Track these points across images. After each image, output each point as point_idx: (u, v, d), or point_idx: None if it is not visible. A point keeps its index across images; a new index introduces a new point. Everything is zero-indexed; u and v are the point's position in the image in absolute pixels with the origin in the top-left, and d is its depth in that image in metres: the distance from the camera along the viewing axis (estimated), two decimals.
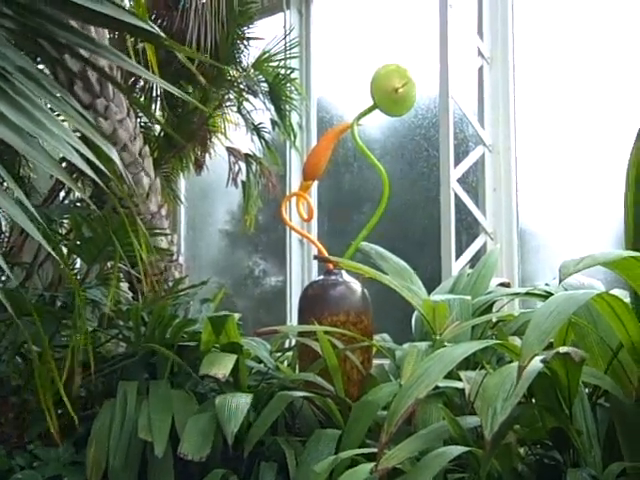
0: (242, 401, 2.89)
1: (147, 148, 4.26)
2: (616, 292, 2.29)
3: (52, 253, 2.01)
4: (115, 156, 2.02)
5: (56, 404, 3.43)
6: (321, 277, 3.47)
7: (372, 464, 2.29)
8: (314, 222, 5.12)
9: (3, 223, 4.53)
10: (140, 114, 4.88)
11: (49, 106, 2.28)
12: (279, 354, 3.56)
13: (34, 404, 3.39)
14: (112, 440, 3.02)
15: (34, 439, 3.26)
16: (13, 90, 1.87)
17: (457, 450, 2.11)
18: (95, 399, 3.46)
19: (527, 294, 2.94)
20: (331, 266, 3.39)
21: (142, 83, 4.97)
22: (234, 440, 2.77)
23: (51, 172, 1.57)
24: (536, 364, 1.95)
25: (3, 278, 3.97)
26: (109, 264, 3.81)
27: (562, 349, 1.99)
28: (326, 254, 3.52)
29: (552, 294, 2.30)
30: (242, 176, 5.19)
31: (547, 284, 3.06)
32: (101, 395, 3.39)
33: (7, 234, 4.46)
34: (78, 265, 4.40)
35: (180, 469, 2.97)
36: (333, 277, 3.37)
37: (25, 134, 1.82)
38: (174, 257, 4.26)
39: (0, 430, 3.30)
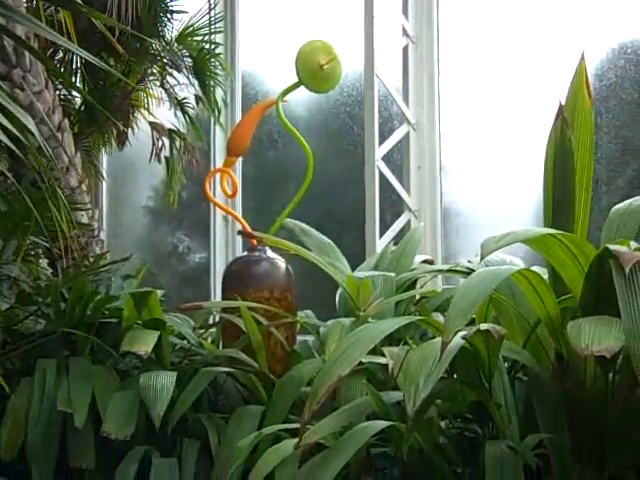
0: (167, 381, 2.87)
1: (67, 121, 4.16)
2: (535, 269, 2.34)
3: None
4: (32, 126, 1.96)
5: None
6: (245, 253, 3.46)
7: (296, 440, 2.30)
8: (238, 199, 5.08)
9: None
10: (59, 87, 4.76)
11: None
12: (202, 331, 3.53)
13: None
14: (31, 418, 2.96)
15: None
16: None
17: (380, 425, 2.13)
18: (13, 377, 3.38)
19: (449, 271, 2.98)
20: (255, 242, 3.37)
21: (61, 55, 4.83)
22: None
23: None
24: (457, 340, 1.98)
25: None
26: (28, 240, 3.73)
27: (483, 326, 2.02)
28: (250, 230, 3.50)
29: (474, 271, 2.34)
30: (165, 152, 5.12)
31: (469, 261, 3.11)
32: (19, 373, 3.31)
33: None
34: None
35: (101, 446, 2.93)
36: (257, 253, 3.36)
37: None
38: (95, 233, 4.18)
39: None
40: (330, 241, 3.54)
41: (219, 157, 5.24)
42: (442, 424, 2.43)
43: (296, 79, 3.45)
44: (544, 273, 2.29)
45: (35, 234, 3.49)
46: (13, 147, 1.83)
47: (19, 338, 3.40)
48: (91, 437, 2.91)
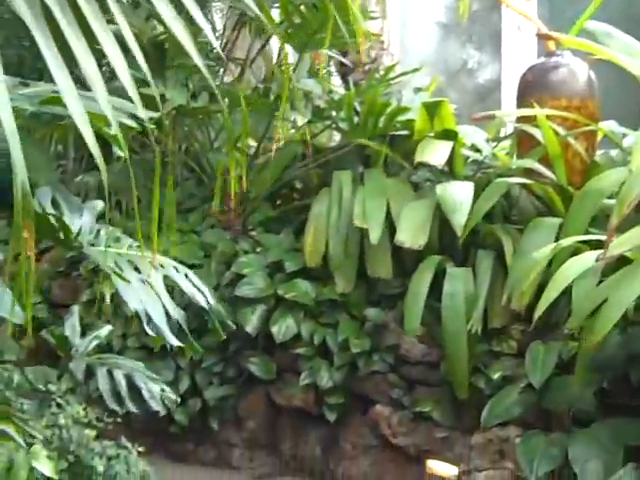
0: (465, 191, 2.82)
1: None
2: None
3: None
4: None
5: (271, 195, 3.54)
6: (541, 60, 3.23)
7: (597, 252, 2.19)
8: (533, 5, 4.73)
9: (218, 20, 4.54)
10: None
11: None
12: (496, 143, 3.41)
13: (255, 194, 3.51)
14: (330, 228, 3.08)
15: (256, 226, 3.39)
16: None
17: None
18: (310, 190, 3.52)
19: None
20: (553, 47, 3.13)
21: None
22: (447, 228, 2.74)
23: None
24: None
25: (220, 73, 4.03)
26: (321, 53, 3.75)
27: None
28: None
29: None
30: None
31: None
32: (316, 186, 3.44)
33: (221, 31, 4.47)
34: (291, 60, 4.37)
35: (396, 257, 3.00)
36: (554, 59, 3.11)
37: None
38: (385, 45, 4.11)
39: (225, 218, 3.45)
40: (639, 43, 3.19)
41: None
42: None
43: None
44: None
45: (328, 47, 3.50)
46: None
47: (315, 152, 3.50)
48: (388, 248, 2.98)
